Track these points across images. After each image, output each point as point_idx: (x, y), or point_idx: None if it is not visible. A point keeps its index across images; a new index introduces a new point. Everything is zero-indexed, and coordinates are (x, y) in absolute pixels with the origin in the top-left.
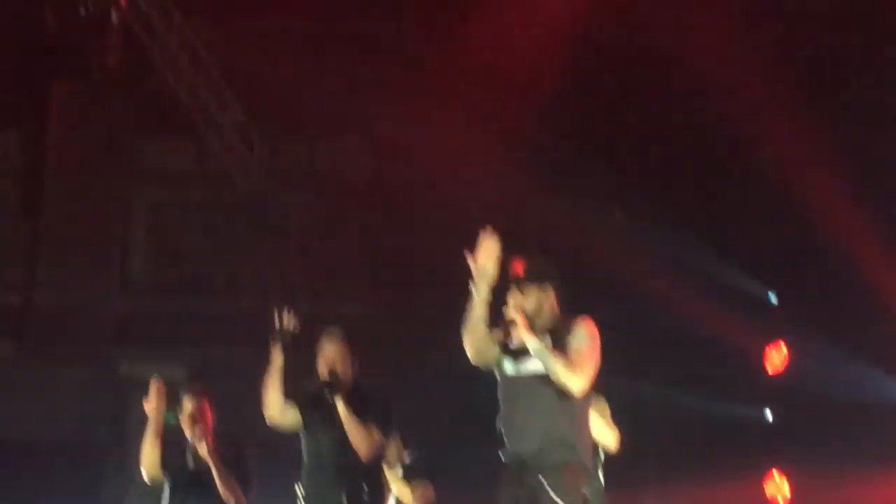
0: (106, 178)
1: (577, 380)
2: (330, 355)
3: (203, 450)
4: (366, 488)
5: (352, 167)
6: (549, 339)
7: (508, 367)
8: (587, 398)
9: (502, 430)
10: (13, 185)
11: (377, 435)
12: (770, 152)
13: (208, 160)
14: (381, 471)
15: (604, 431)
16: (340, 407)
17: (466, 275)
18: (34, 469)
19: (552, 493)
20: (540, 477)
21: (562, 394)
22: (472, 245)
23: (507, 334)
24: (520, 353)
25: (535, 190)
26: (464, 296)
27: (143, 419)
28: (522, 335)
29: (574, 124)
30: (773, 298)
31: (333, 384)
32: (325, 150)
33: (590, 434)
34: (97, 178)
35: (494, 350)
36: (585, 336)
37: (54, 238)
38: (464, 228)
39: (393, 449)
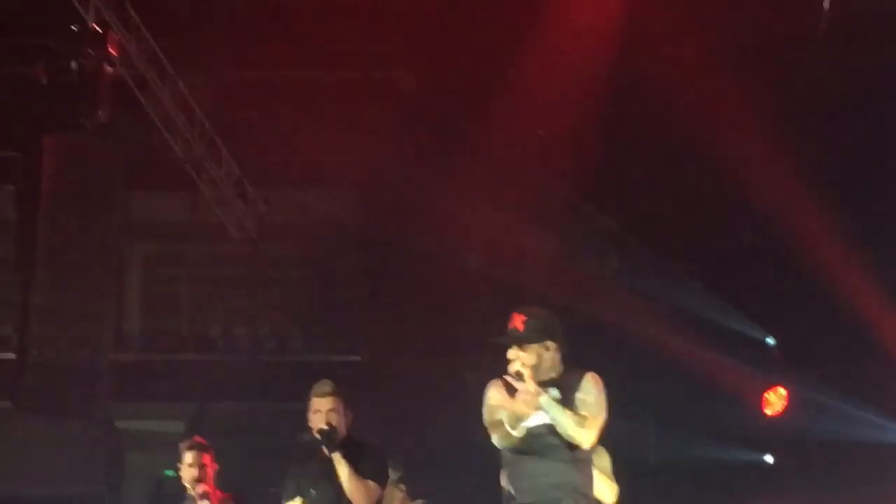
0: (99, 232)
1: (585, 433)
2: (323, 408)
3: None
4: None
5: (345, 215)
6: (556, 392)
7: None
8: (592, 450)
9: (510, 483)
10: (6, 240)
11: (374, 487)
12: (770, 199)
13: (202, 212)
14: None
15: (603, 485)
16: (338, 462)
17: (459, 324)
18: None
19: None
20: None
21: (570, 444)
22: (464, 292)
23: (511, 389)
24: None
25: (531, 237)
26: (456, 346)
27: (138, 473)
28: (528, 387)
29: (571, 167)
30: (772, 343)
31: (330, 439)
32: (317, 199)
33: (593, 484)
34: (90, 232)
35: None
36: (593, 390)
37: (48, 293)
38: (458, 276)
39: (396, 499)
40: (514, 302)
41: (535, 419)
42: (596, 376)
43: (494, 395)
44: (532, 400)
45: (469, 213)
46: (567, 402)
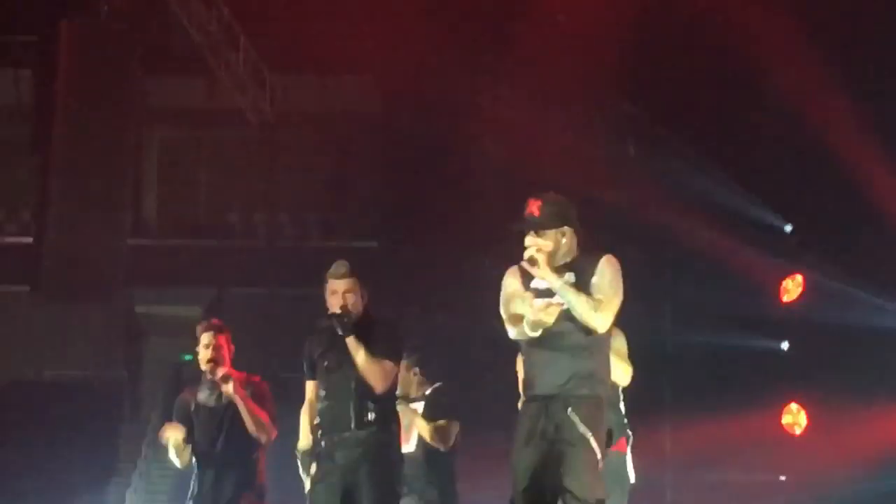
0: (116, 117)
1: (600, 317)
2: (340, 289)
3: (228, 389)
4: (372, 406)
5: (363, 105)
6: (571, 276)
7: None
8: (608, 333)
9: (526, 368)
10: (23, 125)
11: (389, 367)
12: (788, 84)
13: (220, 98)
14: (393, 400)
15: (618, 367)
16: (352, 345)
17: (476, 207)
18: (52, 407)
19: (579, 426)
20: (568, 410)
21: (586, 329)
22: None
23: (528, 276)
24: (542, 294)
25: (548, 124)
26: (473, 232)
27: (158, 357)
28: (543, 275)
29: (592, 56)
30: (790, 229)
31: (343, 322)
32: (336, 89)
33: (609, 361)
34: (107, 117)
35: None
36: (608, 273)
37: (65, 179)
38: (476, 163)
39: (413, 383)
40: (532, 189)
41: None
42: (612, 258)
43: (511, 282)
44: (554, 310)
45: (488, 102)
46: (582, 285)
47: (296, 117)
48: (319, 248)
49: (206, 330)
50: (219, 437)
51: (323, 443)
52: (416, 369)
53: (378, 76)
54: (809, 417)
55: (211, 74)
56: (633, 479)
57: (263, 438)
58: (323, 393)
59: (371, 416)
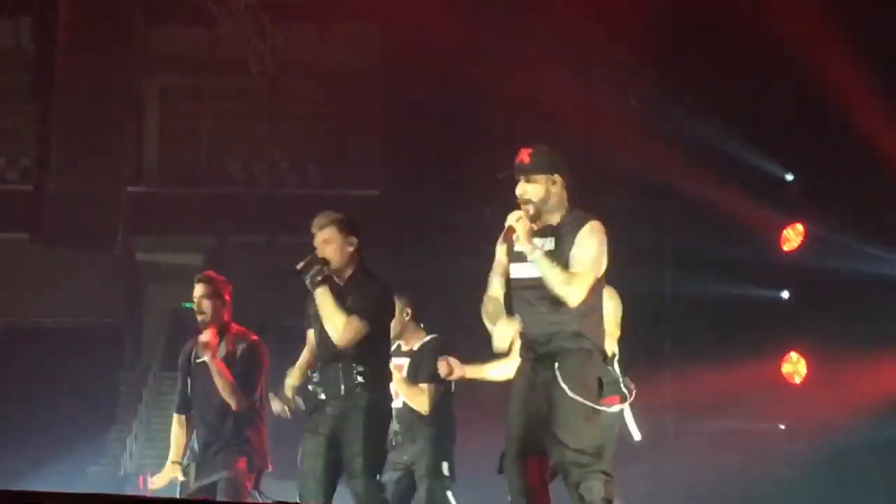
0: (117, 65)
1: (571, 291)
2: (318, 241)
3: (207, 356)
4: (358, 369)
5: (364, 53)
6: (550, 243)
7: (514, 270)
8: (598, 296)
9: (520, 322)
10: (24, 72)
11: (354, 323)
12: (789, 33)
13: (221, 47)
14: (383, 357)
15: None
16: (318, 296)
17: (478, 155)
18: (52, 355)
19: (561, 380)
20: (555, 365)
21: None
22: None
23: (511, 239)
24: (524, 257)
25: (549, 73)
26: (473, 181)
27: (158, 305)
28: (521, 244)
29: (592, 6)
30: (791, 178)
31: (309, 273)
32: (337, 37)
33: (601, 321)
34: (108, 65)
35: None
36: (588, 244)
37: (66, 125)
38: (478, 113)
39: (406, 327)
40: (534, 138)
41: (534, 269)
42: (596, 225)
43: (499, 252)
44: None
45: (488, 52)
46: (561, 252)
47: (297, 66)
48: (320, 197)
49: (198, 282)
50: (215, 393)
51: (317, 395)
52: (408, 310)
53: (379, 24)
54: (809, 366)
55: (212, 23)
56: (637, 436)
57: (232, 405)
58: (315, 344)
59: (359, 378)
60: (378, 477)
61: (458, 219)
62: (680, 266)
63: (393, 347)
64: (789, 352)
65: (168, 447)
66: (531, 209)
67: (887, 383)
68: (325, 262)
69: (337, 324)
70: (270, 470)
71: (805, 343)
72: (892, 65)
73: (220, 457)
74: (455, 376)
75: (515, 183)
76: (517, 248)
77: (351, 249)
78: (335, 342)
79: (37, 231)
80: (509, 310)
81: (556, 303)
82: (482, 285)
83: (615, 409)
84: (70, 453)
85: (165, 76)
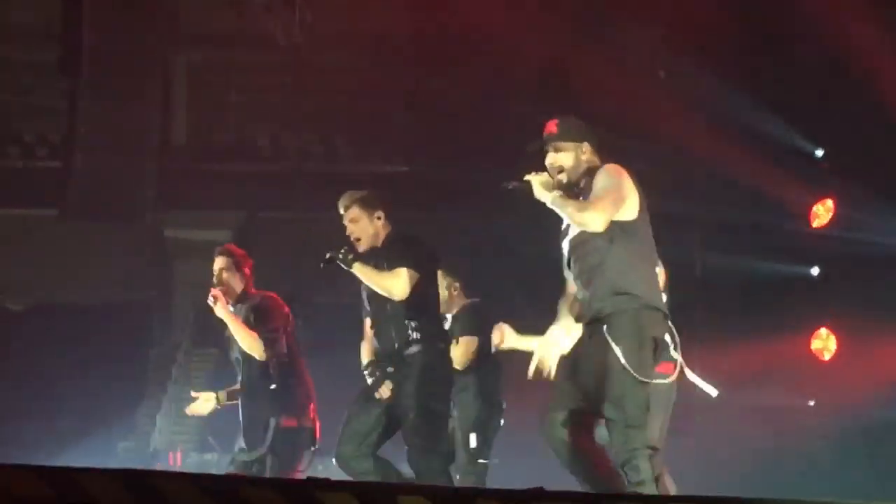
0: (146, 39)
1: (589, 215)
2: (346, 223)
3: (217, 310)
4: (411, 325)
5: (393, 26)
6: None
7: (563, 245)
8: (634, 241)
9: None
10: (51, 49)
11: (403, 273)
12: (820, 6)
13: (249, 20)
14: (435, 316)
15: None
16: (357, 271)
17: (508, 134)
18: (81, 331)
19: (612, 343)
20: (603, 328)
21: (607, 247)
22: (513, 103)
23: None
24: (563, 232)
25: (578, 45)
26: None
27: (187, 281)
28: (537, 194)
29: None
30: (821, 154)
31: (340, 258)
32: (365, 9)
33: (650, 273)
34: (136, 40)
35: None
36: (600, 179)
37: (94, 100)
38: (506, 83)
39: (453, 301)
40: (563, 108)
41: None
42: (610, 167)
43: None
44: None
45: (518, 26)
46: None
47: (326, 39)
48: (350, 172)
49: (217, 255)
50: (244, 361)
51: (379, 363)
52: (457, 284)
53: None
54: (839, 343)
55: None
56: (713, 393)
57: (256, 355)
58: (369, 322)
59: (414, 335)
60: (437, 442)
61: (489, 194)
62: (709, 242)
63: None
64: (819, 328)
65: (198, 424)
66: (564, 178)
67: None
68: (346, 246)
69: (387, 282)
70: (318, 444)
71: (835, 319)
72: None
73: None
74: (506, 346)
75: (545, 154)
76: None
77: (380, 223)
78: (397, 297)
79: (65, 207)
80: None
81: (594, 261)
82: (512, 255)
83: (668, 380)
84: (100, 430)
85: (193, 50)
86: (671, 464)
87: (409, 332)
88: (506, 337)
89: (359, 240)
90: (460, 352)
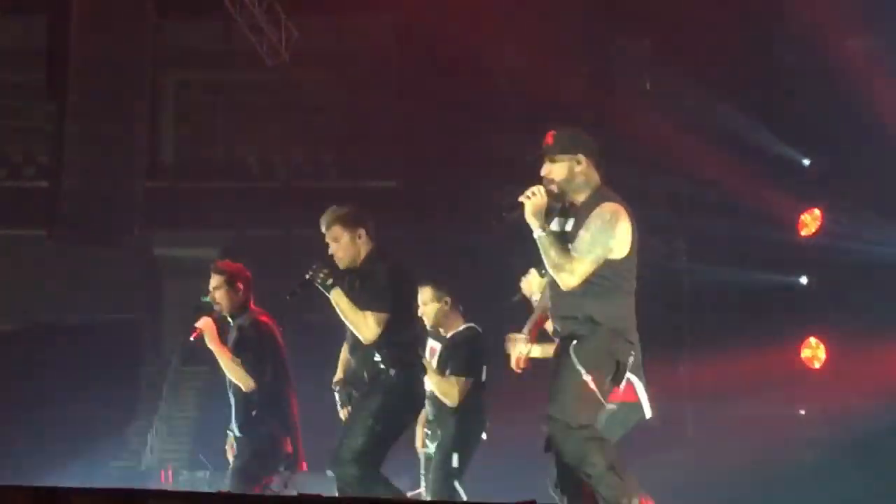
0: (132, 60)
1: (562, 276)
2: (328, 240)
3: (207, 339)
4: (376, 356)
5: (379, 43)
6: (570, 223)
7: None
8: (615, 277)
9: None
10: (38, 70)
11: (371, 317)
12: (807, 15)
13: (236, 40)
14: (404, 346)
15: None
16: (334, 299)
17: (494, 148)
18: (71, 352)
19: (573, 355)
20: (570, 348)
21: (588, 280)
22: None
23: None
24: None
25: (568, 61)
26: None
27: (177, 300)
28: (528, 219)
29: None
30: (808, 163)
31: (319, 280)
32: (352, 28)
33: (626, 304)
34: (123, 60)
35: None
36: (593, 226)
37: (81, 122)
38: (493, 98)
39: (446, 315)
40: (549, 125)
41: None
42: (610, 207)
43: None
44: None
45: (503, 40)
46: (577, 229)
47: (312, 58)
48: (338, 189)
49: (212, 273)
50: (231, 384)
51: (346, 384)
52: (447, 299)
53: (394, 13)
54: (829, 351)
55: (226, 16)
56: (648, 414)
57: (242, 386)
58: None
59: (380, 365)
60: (367, 464)
61: (476, 208)
62: (697, 252)
63: (432, 332)
64: (808, 337)
65: (189, 442)
66: (555, 189)
67: None
68: (322, 266)
69: (358, 323)
70: (304, 470)
71: (824, 328)
72: None
73: (239, 445)
74: (523, 358)
75: (539, 166)
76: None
77: (360, 241)
78: (364, 341)
79: (53, 228)
80: None
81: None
82: (503, 269)
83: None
84: (91, 449)
85: (180, 70)
86: (662, 473)
87: (375, 361)
88: (520, 349)
89: (340, 258)
90: (453, 391)
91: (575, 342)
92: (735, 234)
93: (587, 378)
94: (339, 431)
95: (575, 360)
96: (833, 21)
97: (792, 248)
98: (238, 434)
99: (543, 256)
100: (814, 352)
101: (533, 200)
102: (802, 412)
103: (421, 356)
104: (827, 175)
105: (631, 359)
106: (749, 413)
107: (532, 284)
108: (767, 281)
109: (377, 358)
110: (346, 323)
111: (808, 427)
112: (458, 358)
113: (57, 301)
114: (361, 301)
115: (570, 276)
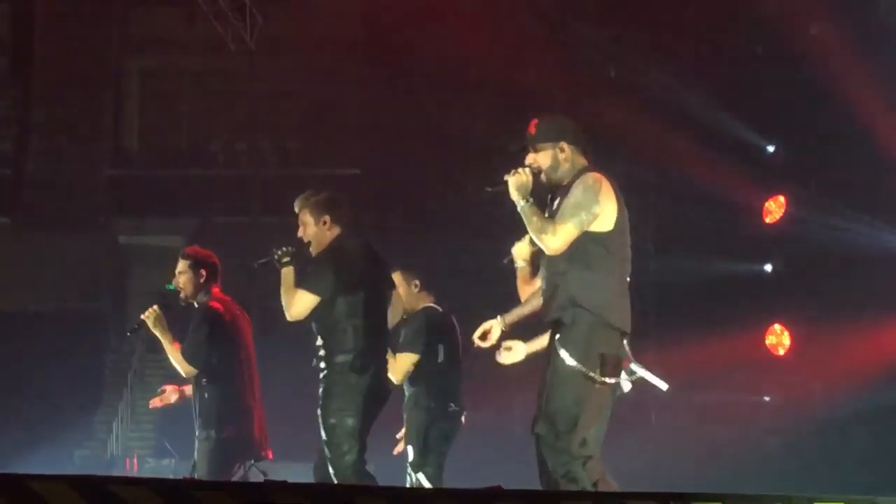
0: (97, 47)
1: (547, 238)
2: (300, 221)
3: (151, 325)
4: (318, 343)
5: (343, 30)
6: (547, 210)
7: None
8: (602, 253)
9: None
10: (2, 56)
11: (301, 297)
12: (770, 3)
13: (200, 27)
14: (343, 322)
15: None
16: (282, 277)
17: (460, 136)
18: (36, 340)
19: (559, 347)
20: (556, 336)
21: (572, 257)
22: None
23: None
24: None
25: (531, 49)
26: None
27: (142, 287)
28: (511, 194)
29: None
30: (772, 150)
31: (276, 258)
32: (316, 14)
33: (616, 286)
34: (87, 47)
35: None
36: (574, 193)
37: (45, 109)
38: (459, 86)
39: (416, 297)
40: (514, 112)
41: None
42: (589, 176)
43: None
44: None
45: (469, 30)
46: (560, 204)
47: (276, 44)
48: (302, 176)
49: (181, 257)
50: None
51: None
52: (416, 282)
53: (359, 1)
54: (793, 338)
55: (191, 3)
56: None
57: (181, 371)
58: None
59: (321, 351)
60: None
61: (442, 194)
62: (661, 240)
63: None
64: (773, 324)
65: (154, 430)
66: (543, 178)
67: (870, 353)
68: (287, 248)
69: (286, 301)
70: (269, 458)
71: (788, 315)
72: (873, 32)
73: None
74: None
75: (525, 153)
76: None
77: (325, 227)
78: (289, 317)
79: (18, 215)
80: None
81: (559, 268)
82: (467, 256)
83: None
84: (56, 437)
85: (145, 57)
86: (626, 459)
87: (318, 348)
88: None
89: (309, 243)
90: (397, 367)
91: (559, 336)
92: (700, 220)
93: (574, 364)
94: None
95: (559, 349)
96: (798, 7)
97: (757, 235)
98: (197, 425)
99: (528, 226)
100: (778, 338)
101: (517, 177)
102: (767, 398)
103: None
104: (791, 162)
105: (624, 349)
106: (714, 400)
107: (522, 250)
108: (732, 268)
109: (319, 345)
110: (283, 301)
111: (771, 413)
112: (406, 335)
113: (21, 289)
114: (301, 282)
115: (553, 237)
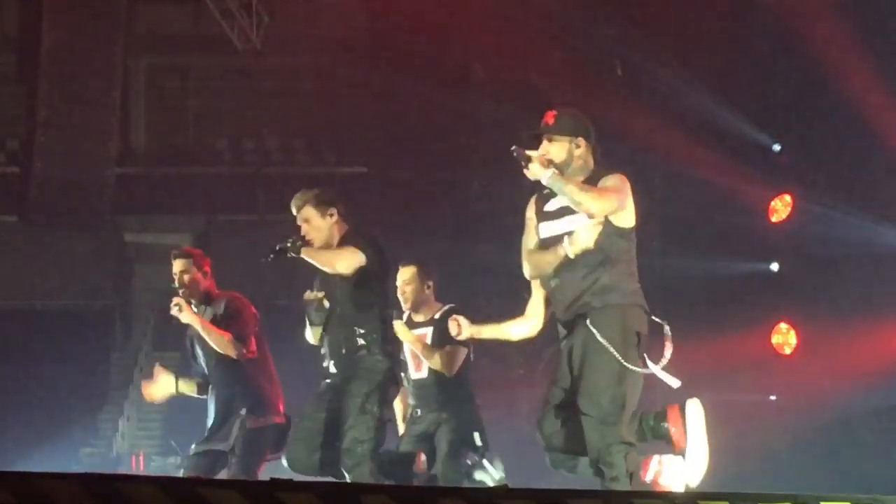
0: (103, 45)
1: (592, 197)
2: (299, 222)
3: (183, 317)
4: (360, 331)
5: (350, 28)
6: (558, 202)
7: (542, 229)
8: (627, 246)
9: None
10: (9, 54)
11: (349, 251)
12: (778, 2)
13: (206, 25)
14: (380, 323)
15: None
16: (306, 255)
17: (465, 135)
18: (42, 338)
19: (597, 333)
20: (587, 321)
21: (609, 247)
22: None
23: (542, 201)
24: (552, 216)
25: (536, 48)
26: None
27: (147, 285)
28: (534, 170)
29: None
30: (778, 148)
31: (287, 246)
32: (322, 12)
33: (634, 277)
34: (94, 45)
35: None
36: (612, 180)
37: (52, 107)
38: (464, 83)
39: (427, 300)
40: (520, 111)
41: (560, 224)
42: (621, 175)
43: (528, 218)
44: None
45: (475, 28)
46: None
47: (283, 42)
48: (308, 174)
49: (174, 258)
50: (211, 360)
51: (324, 362)
52: (430, 283)
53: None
54: (799, 337)
55: (197, 1)
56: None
57: (232, 354)
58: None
59: (361, 340)
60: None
61: (448, 194)
62: (667, 238)
63: (405, 318)
64: (779, 322)
65: (160, 428)
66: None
67: (877, 352)
68: (296, 238)
69: (331, 258)
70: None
71: (795, 313)
72: (880, 29)
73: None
74: (464, 335)
75: (538, 143)
76: (548, 205)
77: (332, 220)
78: (340, 272)
79: (25, 213)
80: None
81: (586, 255)
82: (473, 253)
83: (645, 370)
84: (62, 435)
85: (151, 55)
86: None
87: (357, 338)
88: (463, 328)
89: (313, 239)
90: (451, 360)
91: (590, 319)
92: (706, 219)
93: (613, 352)
94: (312, 421)
95: (596, 334)
96: (805, 6)
97: (763, 233)
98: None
99: (565, 192)
100: (784, 337)
101: (535, 153)
102: (773, 398)
103: (396, 337)
104: (798, 160)
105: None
106: (720, 399)
107: (457, 328)
108: (738, 267)
109: (358, 335)
110: (321, 266)
111: (778, 412)
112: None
113: (27, 286)
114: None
115: (600, 199)
